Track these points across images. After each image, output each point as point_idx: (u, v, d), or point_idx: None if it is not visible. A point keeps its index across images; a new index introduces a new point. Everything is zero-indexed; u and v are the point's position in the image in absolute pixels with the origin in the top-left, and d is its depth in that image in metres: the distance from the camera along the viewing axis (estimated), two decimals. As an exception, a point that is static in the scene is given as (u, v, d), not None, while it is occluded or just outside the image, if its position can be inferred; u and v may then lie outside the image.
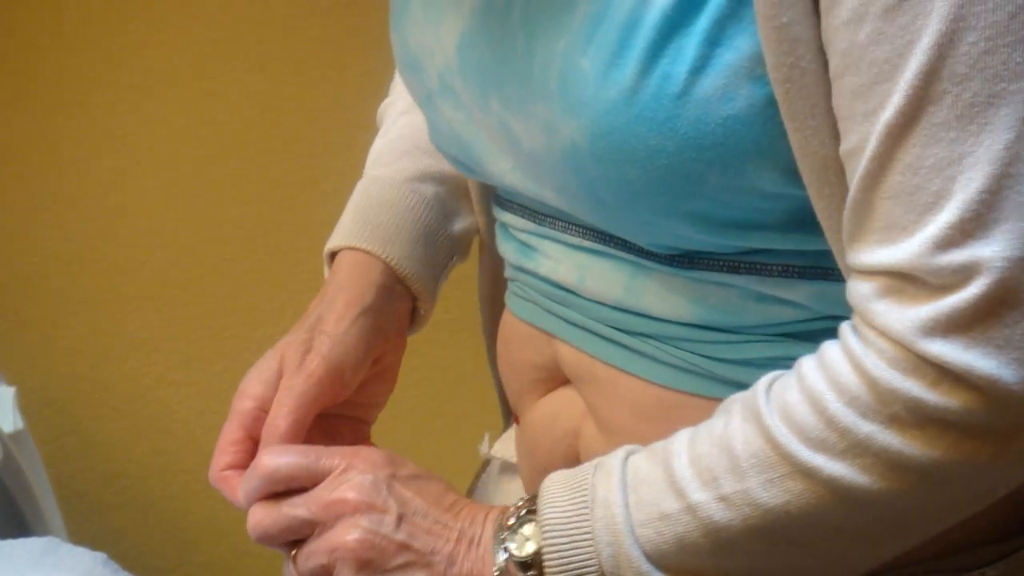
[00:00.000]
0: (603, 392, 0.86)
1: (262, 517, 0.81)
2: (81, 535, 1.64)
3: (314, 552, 0.79)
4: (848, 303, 0.71)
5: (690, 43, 0.72)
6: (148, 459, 1.85)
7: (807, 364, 0.72)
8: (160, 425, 1.84)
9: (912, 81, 0.65)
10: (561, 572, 0.75)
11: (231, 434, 0.88)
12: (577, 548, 0.75)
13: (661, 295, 0.81)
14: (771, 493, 0.70)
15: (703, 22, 0.72)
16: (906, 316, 0.67)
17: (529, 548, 0.76)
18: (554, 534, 0.76)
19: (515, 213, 0.90)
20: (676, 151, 0.73)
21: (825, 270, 0.77)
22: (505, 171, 0.85)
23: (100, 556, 1.31)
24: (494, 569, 0.77)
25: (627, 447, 0.77)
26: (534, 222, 0.88)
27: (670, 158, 0.73)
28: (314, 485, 0.80)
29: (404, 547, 0.78)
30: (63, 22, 1.70)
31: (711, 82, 0.72)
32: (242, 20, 1.73)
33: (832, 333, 0.74)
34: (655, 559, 0.74)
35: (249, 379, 0.90)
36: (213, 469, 0.88)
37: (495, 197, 0.94)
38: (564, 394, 0.89)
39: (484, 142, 0.85)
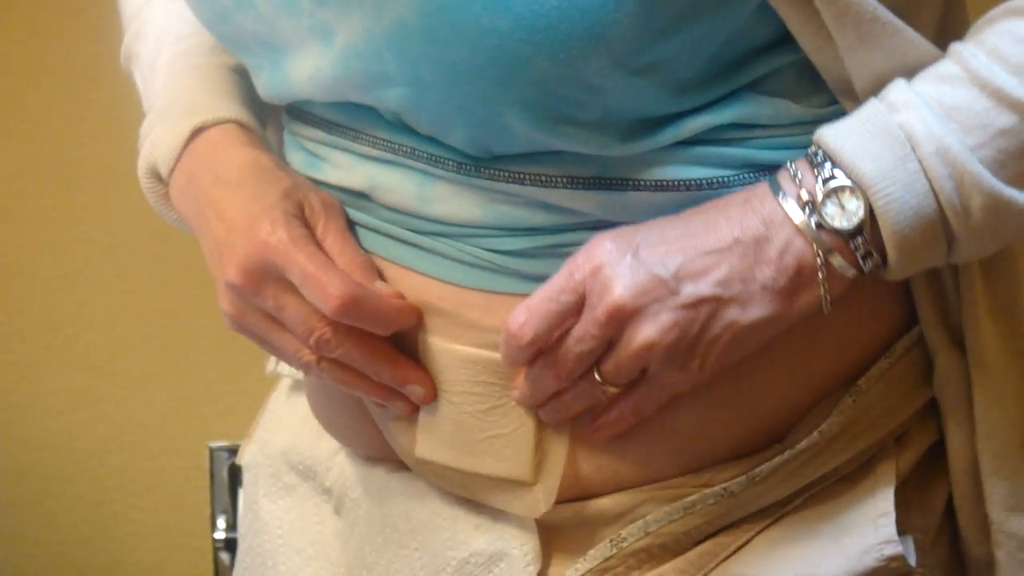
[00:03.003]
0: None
1: (552, 378, 0.78)
2: None
3: (624, 366, 0.77)
4: None
5: None
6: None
7: None
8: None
9: None
10: (900, 224, 0.74)
11: (321, 257, 0.81)
12: (913, 191, 0.74)
13: (452, 203, 0.81)
14: None
15: None
16: None
17: (857, 212, 0.74)
18: (883, 185, 0.73)
19: (304, 122, 0.88)
20: (508, 31, 0.72)
21: (610, 180, 0.78)
22: (307, 78, 0.82)
23: None
24: (815, 248, 0.75)
25: (897, 81, 0.76)
26: (324, 131, 0.86)
27: (501, 38, 0.72)
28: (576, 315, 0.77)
29: (702, 302, 0.75)
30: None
31: None
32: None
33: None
34: (1002, 176, 0.74)
35: (280, 222, 0.82)
36: (360, 293, 0.79)
37: (285, 107, 0.91)
38: None
39: (287, 50, 0.83)
